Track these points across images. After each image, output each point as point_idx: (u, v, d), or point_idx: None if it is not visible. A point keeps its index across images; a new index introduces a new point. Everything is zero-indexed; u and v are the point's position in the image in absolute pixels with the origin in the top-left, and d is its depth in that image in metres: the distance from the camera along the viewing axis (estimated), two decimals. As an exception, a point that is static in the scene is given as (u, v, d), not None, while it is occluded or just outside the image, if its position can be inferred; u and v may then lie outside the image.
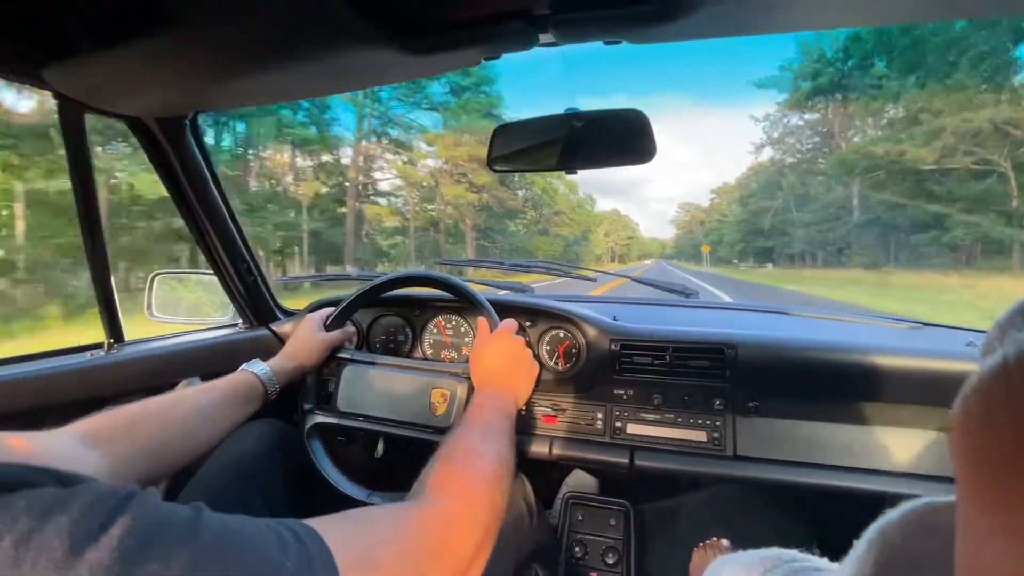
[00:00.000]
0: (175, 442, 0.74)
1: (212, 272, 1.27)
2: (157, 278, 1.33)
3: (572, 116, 0.86)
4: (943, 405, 0.94)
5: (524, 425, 1.13)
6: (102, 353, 1.02)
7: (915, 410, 0.93)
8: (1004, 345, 0.20)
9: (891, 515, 0.31)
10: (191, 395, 0.81)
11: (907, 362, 0.92)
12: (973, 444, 0.20)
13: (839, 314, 1.24)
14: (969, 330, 1.11)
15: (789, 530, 1.17)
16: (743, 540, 0.89)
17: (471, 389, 0.96)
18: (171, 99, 0.93)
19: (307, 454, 1.02)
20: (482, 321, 1.00)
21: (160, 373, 1.10)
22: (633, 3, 0.59)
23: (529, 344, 0.98)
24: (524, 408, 1.12)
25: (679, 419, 1.05)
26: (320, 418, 1.06)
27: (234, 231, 1.21)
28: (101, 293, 1.02)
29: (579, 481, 1.36)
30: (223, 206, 1.17)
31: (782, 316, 1.30)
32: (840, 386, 0.98)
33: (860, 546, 0.31)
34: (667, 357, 1.04)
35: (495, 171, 0.93)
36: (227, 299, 1.32)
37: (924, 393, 0.92)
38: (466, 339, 1.26)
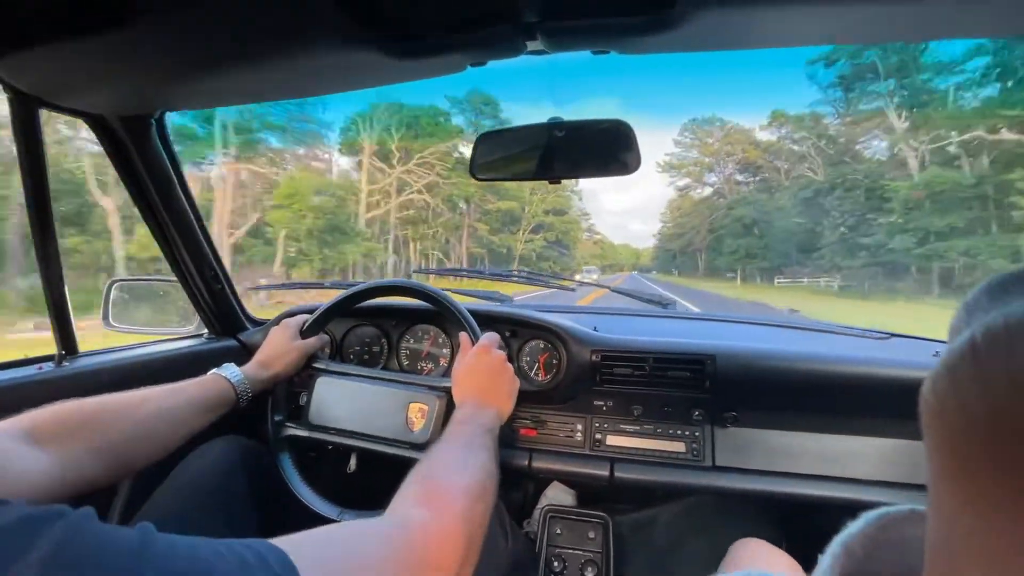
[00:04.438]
0: (132, 447, 0.70)
1: (176, 279, 1.20)
2: (115, 285, 1.25)
3: (554, 126, 0.85)
4: (913, 415, 0.97)
5: (503, 438, 1.10)
6: (52, 366, 0.94)
7: (886, 420, 0.96)
8: (971, 325, 0.20)
9: (851, 528, 0.31)
10: (156, 396, 0.77)
11: (878, 372, 0.95)
12: (943, 422, 0.20)
13: (810, 325, 1.27)
14: (935, 341, 1.14)
15: (765, 538, 1.18)
16: (720, 548, 0.89)
17: (450, 405, 0.93)
18: (137, 96, 0.88)
19: (274, 471, 0.98)
20: (464, 336, 0.97)
21: (118, 387, 1.02)
22: (625, 13, 0.59)
23: (511, 358, 0.96)
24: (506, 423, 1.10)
25: (658, 430, 1.05)
26: (291, 431, 1.01)
27: (200, 236, 1.15)
28: (52, 299, 0.95)
29: (557, 493, 1.35)
30: (189, 210, 1.11)
31: (757, 327, 1.32)
32: (815, 396, 0.99)
33: (824, 561, 0.31)
34: (647, 368, 1.04)
35: (478, 179, 0.92)
36: (191, 307, 1.25)
37: (895, 403, 0.94)
38: (444, 350, 1.23)
